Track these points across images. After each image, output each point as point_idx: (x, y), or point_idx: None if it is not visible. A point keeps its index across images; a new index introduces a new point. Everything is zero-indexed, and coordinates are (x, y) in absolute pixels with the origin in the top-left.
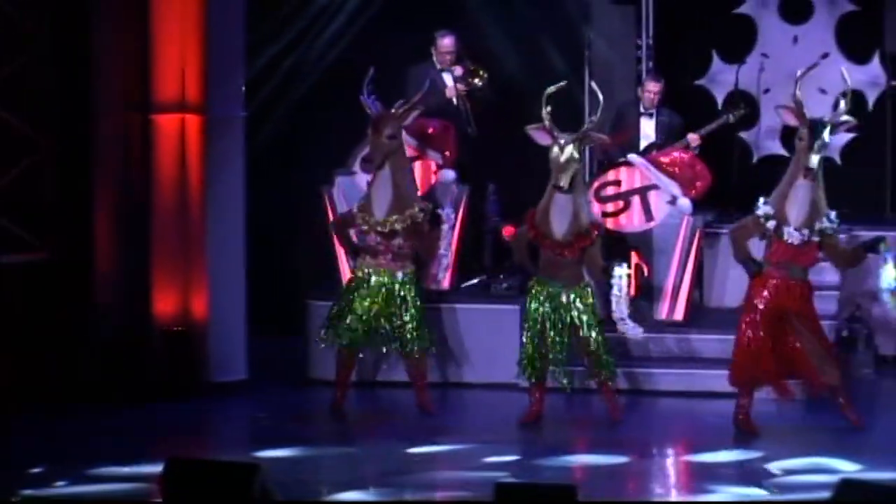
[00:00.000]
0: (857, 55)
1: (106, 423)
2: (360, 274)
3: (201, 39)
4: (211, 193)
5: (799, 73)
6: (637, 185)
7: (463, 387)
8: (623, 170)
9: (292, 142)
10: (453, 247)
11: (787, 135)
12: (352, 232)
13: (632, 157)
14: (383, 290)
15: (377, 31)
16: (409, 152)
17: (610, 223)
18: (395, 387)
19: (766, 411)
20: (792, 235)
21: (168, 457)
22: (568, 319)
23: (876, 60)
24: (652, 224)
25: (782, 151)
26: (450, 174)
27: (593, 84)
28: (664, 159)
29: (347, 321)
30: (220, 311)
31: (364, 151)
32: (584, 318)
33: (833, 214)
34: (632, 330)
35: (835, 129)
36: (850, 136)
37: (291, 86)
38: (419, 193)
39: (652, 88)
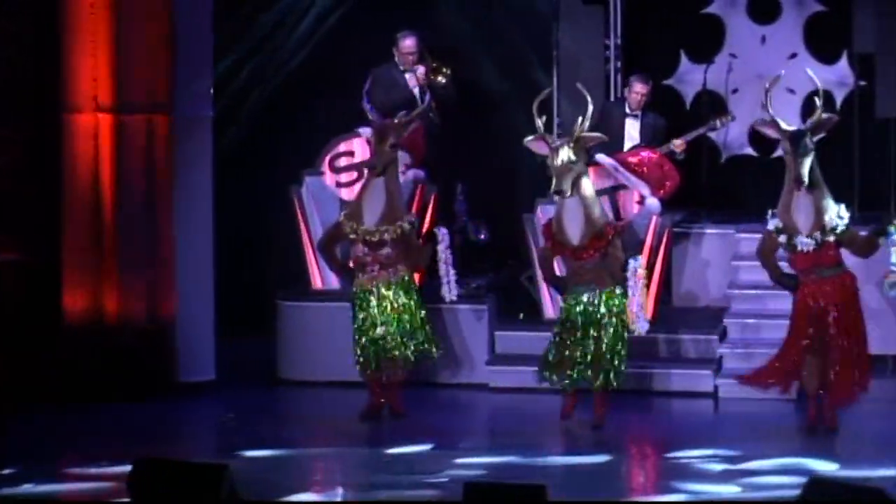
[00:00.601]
0: (825, 55)
1: (74, 423)
2: (361, 295)
3: (169, 40)
4: (179, 193)
5: (767, 85)
6: (605, 185)
7: (434, 386)
8: (591, 170)
9: (261, 142)
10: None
11: (755, 135)
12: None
13: (599, 157)
14: (385, 304)
15: (345, 30)
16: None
17: None
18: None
19: (749, 411)
20: (804, 244)
21: (136, 457)
22: (595, 321)
23: (844, 60)
24: (620, 224)
25: (751, 151)
26: (419, 174)
27: (580, 85)
28: (632, 159)
29: (365, 345)
30: (189, 311)
31: (333, 151)
32: (613, 321)
33: (842, 208)
34: (641, 325)
35: (817, 131)
36: (819, 135)
37: (259, 86)
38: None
39: (640, 90)
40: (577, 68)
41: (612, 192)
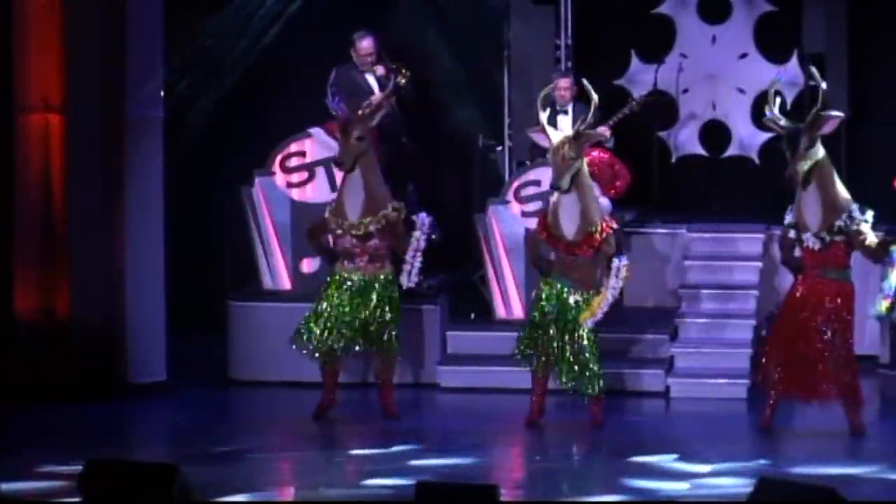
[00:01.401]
0: (776, 55)
1: (25, 423)
2: (337, 278)
3: (119, 41)
4: (130, 194)
5: (771, 90)
6: None
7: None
8: (542, 170)
9: (212, 142)
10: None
11: (706, 134)
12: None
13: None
14: (364, 290)
15: (298, 31)
16: (326, 153)
17: (530, 223)
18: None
19: (701, 411)
20: (811, 241)
21: (87, 457)
22: (570, 321)
23: (794, 60)
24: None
25: (701, 151)
26: None
27: (586, 82)
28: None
29: (328, 326)
30: (140, 311)
31: (284, 151)
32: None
33: (856, 209)
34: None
35: (813, 128)
36: (769, 135)
37: (211, 86)
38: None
39: (563, 85)
40: (528, 68)
41: None
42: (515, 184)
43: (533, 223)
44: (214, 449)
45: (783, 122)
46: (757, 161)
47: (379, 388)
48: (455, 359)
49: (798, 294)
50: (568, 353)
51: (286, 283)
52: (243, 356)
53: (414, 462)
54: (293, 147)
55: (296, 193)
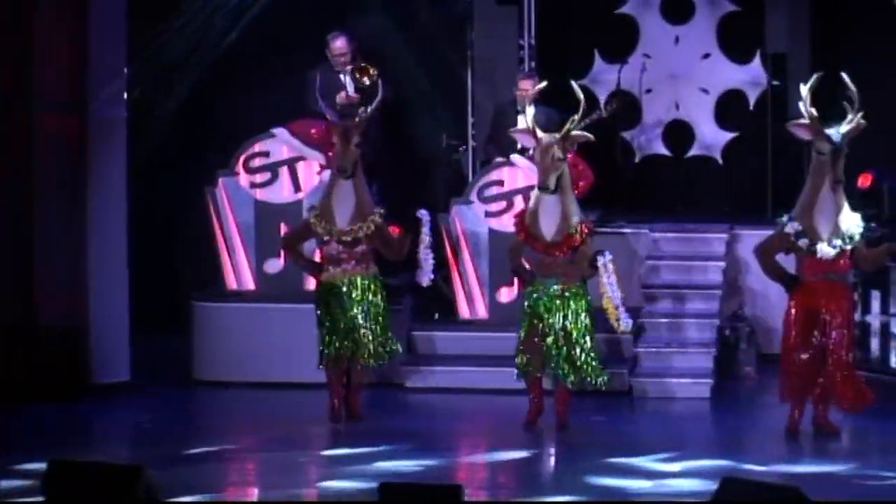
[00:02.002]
0: (739, 55)
1: None
2: (328, 286)
3: (82, 40)
4: (93, 194)
5: (805, 89)
6: (520, 185)
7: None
8: (506, 170)
9: (175, 142)
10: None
11: (669, 134)
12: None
13: (514, 157)
14: (355, 295)
15: (262, 30)
16: (290, 153)
17: (493, 223)
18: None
19: (664, 410)
20: (825, 252)
21: (51, 458)
22: (561, 319)
23: (757, 60)
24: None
25: (664, 151)
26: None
27: (574, 83)
28: None
29: (332, 336)
30: (104, 311)
31: (248, 152)
32: (578, 319)
33: (859, 218)
34: (625, 319)
35: (852, 132)
36: (732, 135)
37: (175, 85)
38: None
39: (524, 86)
40: (492, 68)
41: (526, 191)
42: (479, 184)
43: (497, 223)
44: (179, 449)
45: (836, 129)
46: (720, 161)
47: (348, 388)
48: (419, 359)
49: (808, 304)
50: (566, 352)
51: (250, 284)
52: (207, 357)
53: (378, 462)
54: (257, 147)
55: (259, 194)
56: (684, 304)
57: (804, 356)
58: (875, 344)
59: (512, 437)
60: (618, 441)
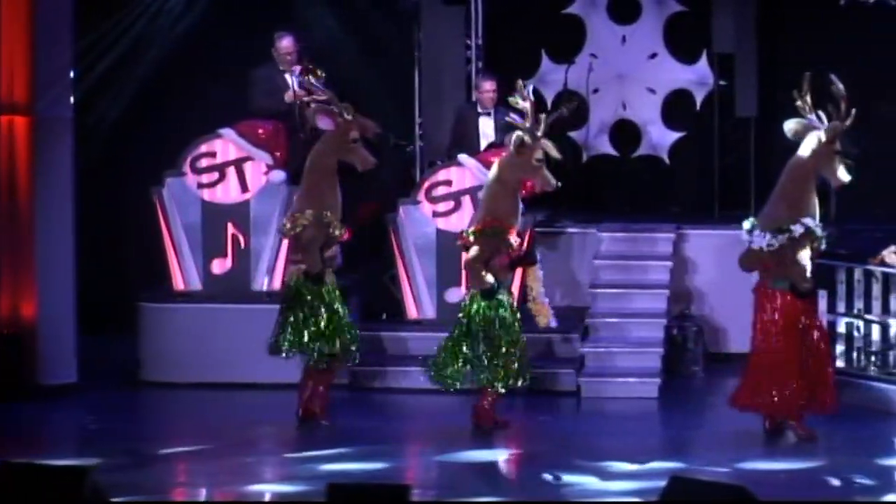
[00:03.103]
0: (685, 55)
1: None
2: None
3: (28, 40)
4: (40, 194)
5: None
6: (468, 185)
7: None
8: (453, 170)
9: (122, 142)
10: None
11: (617, 134)
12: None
13: (462, 157)
14: (327, 294)
15: (209, 29)
16: (237, 154)
17: (441, 223)
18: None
19: (612, 410)
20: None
21: None
22: (498, 320)
23: (703, 60)
24: None
25: (611, 151)
26: (280, 175)
27: (525, 83)
28: (493, 159)
29: (309, 334)
30: (50, 313)
31: (195, 152)
32: (515, 318)
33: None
34: (553, 319)
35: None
36: (678, 135)
37: (122, 85)
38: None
39: (488, 87)
40: (439, 68)
41: (474, 191)
42: (426, 184)
43: (444, 223)
44: (126, 451)
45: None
46: (667, 161)
47: (315, 389)
48: (367, 359)
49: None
50: (494, 353)
51: (197, 284)
52: (154, 357)
53: (326, 463)
54: (204, 148)
55: (206, 194)
56: (632, 303)
57: (785, 359)
58: None
59: (459, 437)
60: (565, 441)
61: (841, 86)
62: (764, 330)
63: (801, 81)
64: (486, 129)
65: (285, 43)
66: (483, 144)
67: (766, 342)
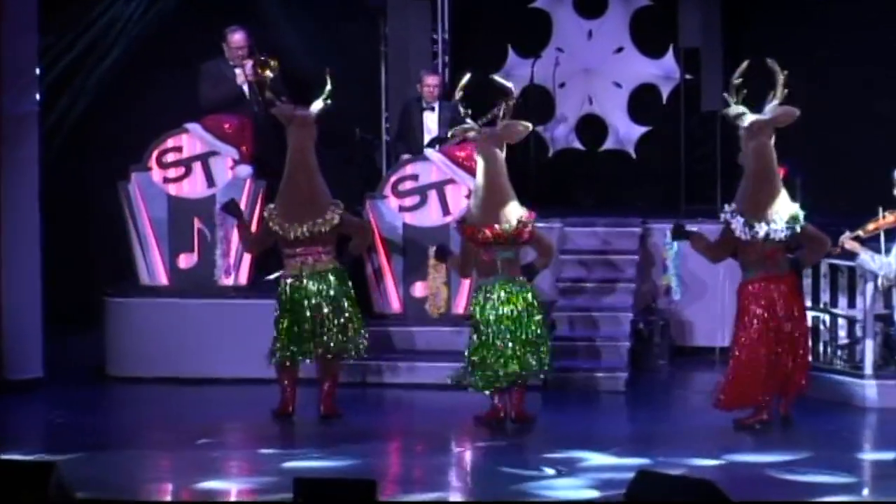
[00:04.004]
0: (652, 49)
1: None
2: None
3: None
4: (5, 188)
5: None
6: (434, 179)
7: (258, 383)
8: (420, 164)
9: (88, 136)
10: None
11: (583, 128)
12: None
13: (428, 151)
14: (323, 291)
15: (172, 24)
16: (203, 148)
17: (407, 218)
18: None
19: (577, 405)
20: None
21: None
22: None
23: (670, 55)
24: (449, 219)
25: (578, 145)
26: (246, 169)
27: (497, 77)
28: (460, 153)
29: (292, 334)
30: (16, 307)
31: (161, 147)
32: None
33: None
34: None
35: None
36: (645, 129)
37: (86, 79)
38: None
39: (430, 82)
40: (405, 62)
41: (440, 185)
42: (393, 178)
43: (411, 218)
44: (92, 446)
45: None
46: (633, 155)
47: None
48: None
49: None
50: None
51: (163, 279)
52: (120, 352)
53: (294, 459)
54: (170, 142)
55: (172, 189)
56: (598, 298)
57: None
58: None
59: (425, 432)
60: (532, 435)
61: (777, 67)
62: (746, 329)
63: (735, 69)
64: (430, 123)
65: (237, 37)
66: (426, 139)
67: (749, 341)
